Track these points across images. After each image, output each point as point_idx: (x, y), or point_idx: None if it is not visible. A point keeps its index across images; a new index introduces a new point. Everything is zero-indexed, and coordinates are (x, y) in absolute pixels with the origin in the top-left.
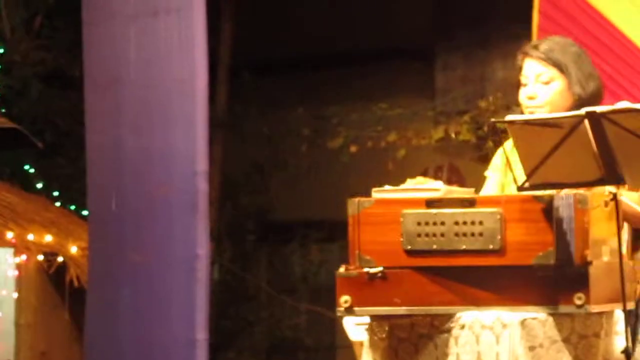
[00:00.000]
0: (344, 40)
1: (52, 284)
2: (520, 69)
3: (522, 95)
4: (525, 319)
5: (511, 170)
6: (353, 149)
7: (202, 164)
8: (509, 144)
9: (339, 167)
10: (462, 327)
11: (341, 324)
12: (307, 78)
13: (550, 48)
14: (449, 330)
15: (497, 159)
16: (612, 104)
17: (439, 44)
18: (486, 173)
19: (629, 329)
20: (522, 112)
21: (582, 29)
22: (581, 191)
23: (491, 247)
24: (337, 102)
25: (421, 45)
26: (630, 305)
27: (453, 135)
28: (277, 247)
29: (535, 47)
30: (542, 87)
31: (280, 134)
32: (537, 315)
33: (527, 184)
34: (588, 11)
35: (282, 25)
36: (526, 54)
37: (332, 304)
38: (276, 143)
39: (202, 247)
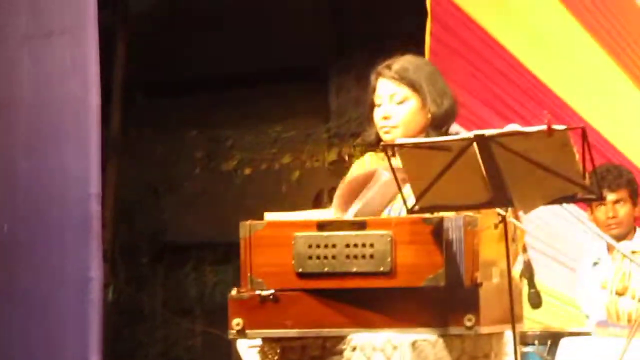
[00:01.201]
0: (237, 62)
1: None
2: (374, 89)
3: (377, 115)
4: (415, 341)
5: (400, 192)
6: (247, 171)
7: (95, 186)
8: (365, 158)
9: (234, 189)
10: (354, 349)
11: (236, 346)
12: (200, 100)
13: (403, 67)
14: (340, 352)
15: (358, 171)
16: (503, 126)
17: (333, 66)
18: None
19: (518, 350)
20: (374, 132)
21: (473, 51)
22: (471, 213)
23: (382, 269)
24: (231, 125)
25: (315, 68)
26: (520, 327)
27: (346, 157)
28: (172, 269)
29: (388, 67)
30: (395, 107)
31: (174, 156)
32: (428, 337)
33: (416, 207)
34: (479, 34)
35: (176, 47)
36: (379, 74)
37: (227, 325)
38: (170, 165)
39: (95, 270)
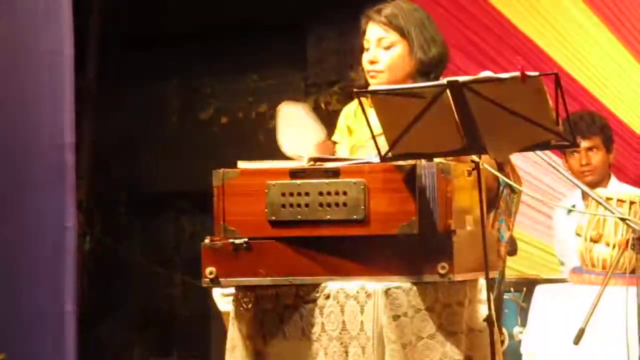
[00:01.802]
0: (214, 12)
1: None
2: (364, 32)
3: (364, 59)
4: (389, 288)
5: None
6: (224, 119)
7: (69, 135)
8: (350, 107)
9: (210, 138)
10: (327, 297)
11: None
12: (177, 50)
13: (393, 12)
14: (314, 301)
15: (342, 122)
16: (478, 73)
17: (310, 15)
18: (334, 138)
19: (491, 297)
20: (362, 76)
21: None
22: (444, 160)
23: (355, 217)
24: (208, 74)
25: (292, 17)
26: (493, 274)
27: (323, 106)
28: (149, 218)
29: (378, 12)
30: (383, 52)
31: (151, 106)
32: (401, 285)
33: (390, 154)
34: None
35: None
36: (369, 18)
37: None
38: (147, 115)
39: (70, 220)
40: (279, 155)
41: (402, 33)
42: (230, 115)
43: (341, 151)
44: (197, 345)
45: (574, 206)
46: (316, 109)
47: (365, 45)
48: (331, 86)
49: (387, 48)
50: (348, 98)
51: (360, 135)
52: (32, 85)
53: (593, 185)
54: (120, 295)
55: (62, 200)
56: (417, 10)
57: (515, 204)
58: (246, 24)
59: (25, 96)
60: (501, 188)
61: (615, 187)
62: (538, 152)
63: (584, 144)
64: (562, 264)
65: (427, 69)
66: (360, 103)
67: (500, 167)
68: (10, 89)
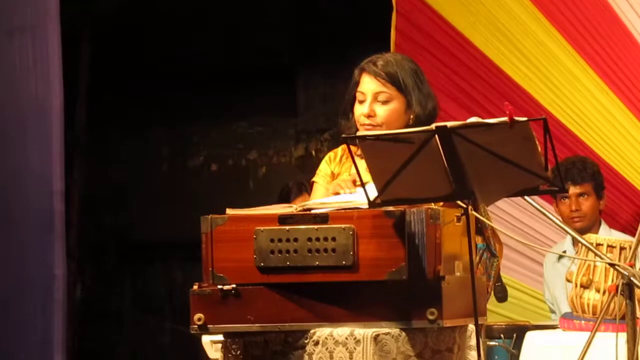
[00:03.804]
0: (204, 60)
1: None
2: (357, 83)
3: (359, 112)
4: (378, 334)
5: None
6: (213, 167)
7: (58, 183)
8: (335, 154)
9: (200, 186)
10: (316, 343)
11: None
12: (167, 98)
13: (390, 66)
14: (303, 347)
15: (325, 166)
16: (467, 118)
17: (301, 63)
18: (315, 179)
19: (481, 343)
20: (353, 126)
21: (438, 45)
22: (433, 206)
23: (344, 263)
24: (197, 121)
25: (282, 64)
26: (483, 321)
27: (313, 153)
28: (140, 267)
29: (374, 64)
30: (379, 106)
31: (141, 153)
32: (390, 331)
33: (379, 200)
34: (444, 28)
35: (141, 46)
36: (363, 70)
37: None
38: (136, 163)
39: (59, 267)
40: (269, 202)
41: (400, 88)
42: (220, 163)
43: (318, 191)
44: None
45: (564, 252)
46: (306, 157)
47: (360, 97)
48: (321, 133)
49: (384, 103)
50: (339, 145)
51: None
52: (20, 132)
53: (583, 231)
54: (111, 344)
55: (51, 248)
56: (409, 62)
57: (495, 268)
58: (235, 71)
59: (14, 144)
60: (480, 251)
61: (606, 234)
62: (527, 197)
63: (575, 190)
64: (552, 311)
65: (422, 124)
66: (349, 149)
67: (479, 231)
68: (0, 138)
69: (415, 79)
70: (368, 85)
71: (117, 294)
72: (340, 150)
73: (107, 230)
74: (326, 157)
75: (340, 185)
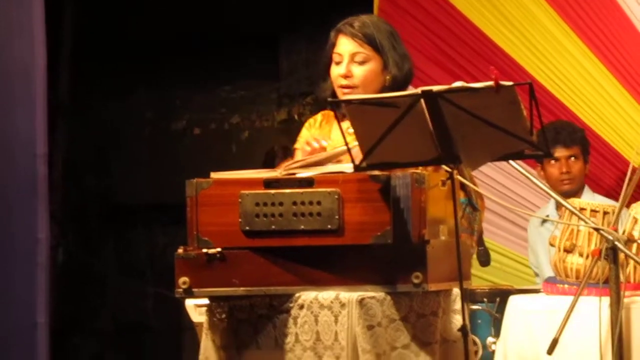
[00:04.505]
0: (186, 24)
1: None
2: (333, 45)
3: (335, 72)
4: (363, 298)
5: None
6: (196, 131)
7: (41, 147)
8: (315, 119)
9: (183, 149)
10: (301, 307)
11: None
12: (150, 62)
13: (366, 27)
14: (287, 311)
15: (305, 132)
16: (452, 83)
17: (283, 27)
18: (296, 146)
19: (466, 307)
20: (329, 88)
21: (423, 11)
22: (418, 170)
23: (329, 227)
24: (180, 85)
25: (265, 29)
26: (467, 285)
27: (296, 117)
28: (122, 230)
29: (351, 25)
30: (356, 67)
31: (123, 117)
32: (376, 295)
33: (364, 164)
34: None
35: (124, 10)
36: (340, 31)
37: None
38: (119, 127)
39: (43, 231)
40: (252, 166)
41: (377, 48)
42: (203, 127)
43: (300, 155)
44: (170, 358)
45: (547, 216)
46: (289, 120)
47: (336, 58)
48: (304, 97)
49: (361, 63)
50: (321, 109)
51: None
52: (4, 96)
53: (571, 194)
54: (93, 308)
55: (35, 211)
56: (385, 24)
57: (478, 222)
58: (218, 35)
59: None
60: (463, 206)
61: (589, 198)
62: (512, 162)
63: (566, 152)
64: (536, 274)
65: (399, 85)
66: (335, 112)
67: (461, 186)
68: None
69: (391, 40)
70: (345, 46)
71: (100, 257)
72: (320, 115)
73: (89, 193)
74: (306, 124)
75: (308, 143)
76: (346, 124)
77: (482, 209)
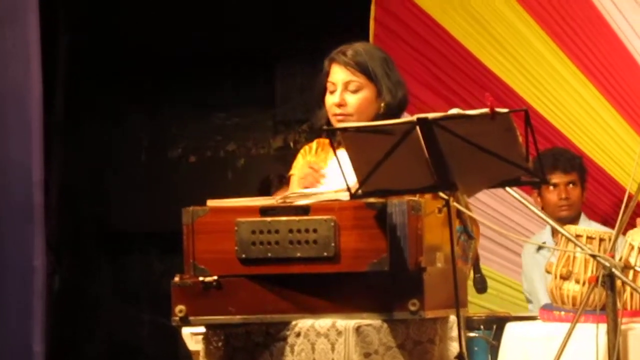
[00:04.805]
0: (183, 49)
1: None
2: (327, 74)
3: (330, 101)
4: (360, 326)
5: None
6: (192, 158)
7: (38, 173)
8: (310, 147)
9: (179, 176)
10: (298, 334)
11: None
12: (146, 87)
13: (359, 55)
14: (284, 339)
15: (301, 158)
16: (447, 109)
17: (278, 54)
18: (291, 173)
19: (463, 335)
20: (324, 117)
21: (417, 37)
22: (414, 198)
23: (325, 254)
24: (176, 112)
25: (260, 55)
26: (464, 312)
27: (292, 144)
28: (118, 257)
29: (343, 53)
30: (350, 95)
31: (119, 143)
32: (372, 322)
33: (360, 191)
34: (424, 19)
35: (120, 34)
36: (333, 60)
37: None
38: (115, 152)
39: (39, 259)
40: (247, 194)
41: (370, 76)
42: (199, 154)
43: (295, 184)
44: None
45: (544, 243)
46: (285, 148)
47: (330, 87)
48: (299, 124)
49: (355, 92)
50: (317, 137)
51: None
52: (1, 123)
53: (568, 221)
54: (88, 334)
55: (31, 238)
56: (379, 51)
57: (473, 250)
58: (213, 62)
59: None
60: (458, 234)
61: (585, 225)
62: (509, 188)
63: (565, 178)
64: (529, 301)
65: (393, 112)
66: (331, 140)
67: (457, 214)
68: None
69: (384, 67)
70: (338, 75)
71: (96, 284)
72: (315, 143)
73: (85, 219)
74: (302, 151)
75: (307, 179)
76: (341, 152)
77: (477, 236)
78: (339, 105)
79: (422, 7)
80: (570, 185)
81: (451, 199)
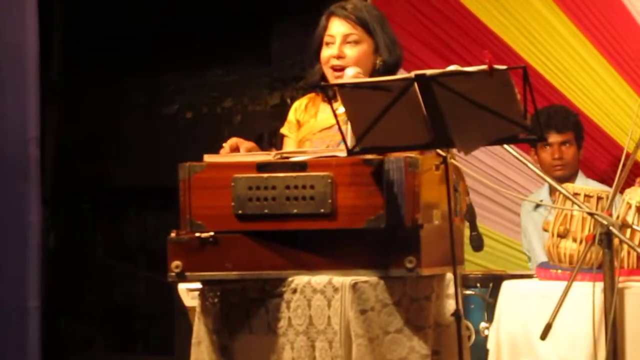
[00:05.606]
0: (178, 9)
1: None
2: (324, 27)
3: (327, 54)
4: (356, 283)
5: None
6: (188, 115)
7: (33, 130)
8: (300, 103)
9: (175, 133)
10: (294, 291)
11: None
12: (141, 45)
13: (359, 9)
14: (280, 295)
15: (292, 116)
16: (445, 67)
17: (276, 11)
18: (283, 131)
19: (459, 292)
20: (317, 73)
21: None
22: (412, 154)
23: (322, 211)
24: (172, 69)
25: (257, 13)
26: (461, 269)
27: (288, 101)
28: (113, 214)
29: (343, 8)
30: (349, 48)
31: (115, 101)
32: (369, 279)
33: (357, 148)
34: None
35: None
36: (332, 13)
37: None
38: (111, 110)
39: (34, 214)
40: None
41: (369, 31)
42: (195, 111)
43: (289, 144)
44: (161, 341)
45: (541, 201)
46: (281, 105)
47: (328, 40)
48: (296, 81)
49: (354, 44)
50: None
51: (308, 129)
52: None
53: (563, 180)
54: (84, 292)
55: (26, 194)
56: (375, 9)
57: (459, 203)
58: (211, 20)
59: None
60: None
61: (583, 183)
62: (506, 146)
63: (558, 138)
64: (529, 259)
65: (390, 69)
66: (327, 96)
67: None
68: None
69: (382, 25)
70: (337, 27)
71: (91, 241)
72: (306, 98)
73: (80, 176)
74: (292, 107)
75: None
76: (335, 105)
77: (464, 190)
78: (338, 57)
79: None
80: (565, 145)
81: (449, 156)
